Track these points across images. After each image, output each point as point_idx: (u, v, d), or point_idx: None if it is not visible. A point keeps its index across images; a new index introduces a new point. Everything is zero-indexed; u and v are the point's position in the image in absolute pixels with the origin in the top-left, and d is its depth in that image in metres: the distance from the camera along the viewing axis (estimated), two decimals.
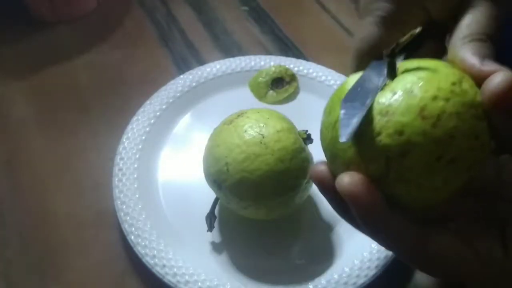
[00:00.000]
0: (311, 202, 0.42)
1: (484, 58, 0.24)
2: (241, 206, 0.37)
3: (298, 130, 0.39)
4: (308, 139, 0.39)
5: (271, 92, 0.50)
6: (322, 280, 0.37)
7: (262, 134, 0.36)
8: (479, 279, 0.23)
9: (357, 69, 0.31)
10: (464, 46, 0.26)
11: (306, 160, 0.37)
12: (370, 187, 0.22)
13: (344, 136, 0.21)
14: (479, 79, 0.23)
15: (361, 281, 0.37)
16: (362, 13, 0.31)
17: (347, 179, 0.22)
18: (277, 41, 0.57)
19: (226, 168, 0.36)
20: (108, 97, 0.51)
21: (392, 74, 0.24)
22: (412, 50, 0.31)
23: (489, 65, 0.24)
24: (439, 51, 0.31)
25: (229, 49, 0.56)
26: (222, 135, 0.38)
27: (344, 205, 0.23)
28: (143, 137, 0.45)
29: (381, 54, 0.24)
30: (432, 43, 0.32)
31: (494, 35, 0.26)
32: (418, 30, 0.23)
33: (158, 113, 0.47)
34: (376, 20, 0.30)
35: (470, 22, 0.27)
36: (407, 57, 0.30)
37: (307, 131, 0.39)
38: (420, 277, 0.39)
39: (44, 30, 0.58)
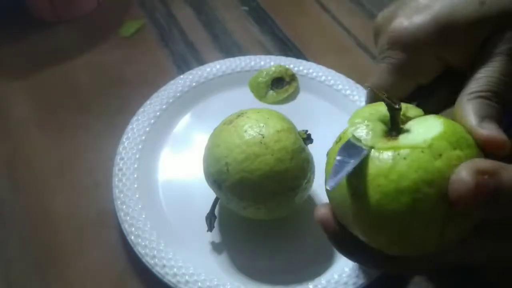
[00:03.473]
0: (311, 202, 0.42)
1: (484, 118, 0.25)
2: (241, 206, 0.37)
3: (298, 130, 0.39)
4: (308, 139, 0.39)
5: (271, 92, 0.50)
6: (322, 280, 0.37)
7: (262, 134, 0.36)
8: None
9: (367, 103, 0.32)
10: (469, 102, 0.26)
11: (306, 160, 0.37)
12: (333, 220, 0.27)
13: (330, 184, 0.23)
14: (476, 139, 0.24)
15: (361, 281, 0.37)
16: (378, 57, 0.32)
17: (323, 210, 0.27)
18: (277, 41, 0.57)
19: (226, 168, 0.36)
20: (108, 97, 0.51)
21: (395, 127, 0.25)
22: (425, 97, 0.32)
23: (487, 128, 0.24)
24: (454, 100, 0.30)
25: (229, 49, 0.56)
26: (222, 135, 0.38)
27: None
28: (143, 137, 0.45)
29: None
30: (446, 91, 0.31)
31: (505, 93, 0.26)
32: (397, 105, 0.24)
33: (158, 113, 0.47)
34: (388, 67, 0.30)
35: (481, 77, 0.26)
36: (420, 104, 0.30)
37: (307, 131, 0.39)
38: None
39: (44, 30, 0.58)
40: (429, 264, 0.25)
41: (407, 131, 0.25)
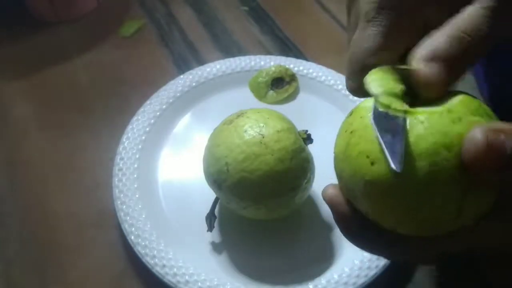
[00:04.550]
0: (311, 202, 0.42)
1: (435, 54, 0.23)
2: (241, 206, 0.37)
3: (298, 130, 0.39)
4: (308, 139, 0.39)
5: (271, 92, 0.50)
6: (322, 280, 0.37)
7: (262, 134, 0.36)
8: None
9: (353, 77, 0.30)
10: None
11: (306, 160, 0.37)
12: (342, 199, 0.24)
13: (396, 164, 0.21)
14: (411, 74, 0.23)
15: (361, 281, 0.37)
16: (363, 20, 0.31)
17: (331, 190, 0.25)
18: (277, 41, 0.57)
19: (226, 168, 0.36)
20: (108, 97, 0.51)
21: (410, 91, 0.23)
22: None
23: (430, 66, 0.23)
24: None
25: (229, 49, 0.56)
26: (222, 135, 0.38)
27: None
28: (143, 137, 0.45)
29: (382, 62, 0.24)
30: None
31: (492, 29, 0.23)
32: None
33: (158, 113, 0.47)
34: (379, 30, 0.29)
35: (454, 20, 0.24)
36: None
37: (307, 131, 0.39)
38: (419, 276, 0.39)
39: (44, 30, 0.58)
40: (439, 249, 0.23)
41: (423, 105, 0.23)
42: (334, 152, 0.25)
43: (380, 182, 0.22)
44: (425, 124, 0.21)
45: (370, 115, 0.23)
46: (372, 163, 0.22)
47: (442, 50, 0.23)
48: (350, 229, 0.25)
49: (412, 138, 0.21)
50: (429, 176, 0.20)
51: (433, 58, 0.23)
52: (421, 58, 0.23)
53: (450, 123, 0.21)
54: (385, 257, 0.26)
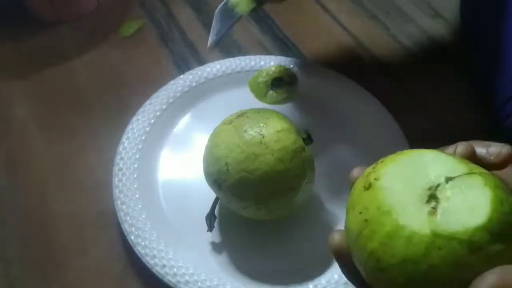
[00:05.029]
0: (311, 202, 0.42)
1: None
2: (241, 206, 0.37)
3: (298, 130, 0.39)
4: (308, 139, 0.39)
5: (271, 92, 0.50)
6: (322, 280, 0.37)
7: (262, 134, 0.36)
8: None
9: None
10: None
11: (306, 160, 0.37)
12: (345, 250, 0.26)
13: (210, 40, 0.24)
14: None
15: None
16: None
17: (337, 237, 0.26)
18: (277, 41, 0.57)
19: (226, 168, 0.36)
20: (108, 97, 0.51)
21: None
22: None
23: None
24: None
25: (229, 49, 0.56)
26: (222, 135, 0.38)
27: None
28: (143, 137, 0.45)
29: None
30: None
31: None
32: None
33: (158, 113, 0.47)
34: None
35: None
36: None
37: (307, 131, 0.39)
38: None
39: (44, 30, 0.58)
40: None
41: (447, 199, 0.23)
42: (346, 221, 0.25)
43: (380, 280, 0.23)
44: (442, 252, 0.21)
45: (385, 205, 0.23)
46: (379, 268, 0.22)
47: None
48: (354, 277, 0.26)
49: (425, 265, 0.21)
50: None
51: None
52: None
53: (467, 254, 0.21)
54: None
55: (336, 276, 0.37)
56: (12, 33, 0.57)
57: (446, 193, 0.23)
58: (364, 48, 0.56)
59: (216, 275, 0.38)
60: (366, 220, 0.23)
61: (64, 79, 0.53)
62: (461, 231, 0.21)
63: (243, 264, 0.39)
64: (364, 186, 0.24)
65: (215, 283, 0.37)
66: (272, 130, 0.36)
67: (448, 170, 0.23)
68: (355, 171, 0.27)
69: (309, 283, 0.37)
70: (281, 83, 0.50)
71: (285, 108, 0.49)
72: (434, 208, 0.22)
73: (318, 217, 0.42)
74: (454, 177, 0.23)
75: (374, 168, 0.25)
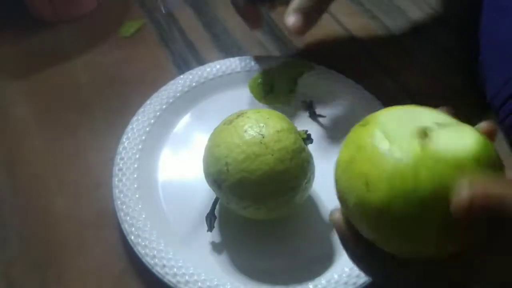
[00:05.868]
0: (311, 202, 0.42)
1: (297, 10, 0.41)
2: (241, 206, 0.37)
3: (298, 130, 0.39)
4: (308, 139, 0.39)
5: (270, 93, 0.50)
6: (322, 280, 0.37)
7: (262, 134, 0.36)
8: None
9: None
10: None
11: (306, 160, 0.37)
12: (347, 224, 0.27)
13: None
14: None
15: (361, 281, 0.37)
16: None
17: (337, 214, 0.28)
18: (277, 41, 0.57)
19: (226, 168, 0.36)
20: (108, 97, 0.51)
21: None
22: None
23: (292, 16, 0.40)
24: None
25: (229, 49, 0.56)
26: (222, 135, 0.38)
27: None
28: (143, 137, 0.45)
29: None
30: None
31: None
32: None
33: (158, 113, 0.47)
34: None
35: None
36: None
37: (307, 131, 0.39)
38: None
39: (44, 30, 0.58)
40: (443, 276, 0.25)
41: (438, 136, 0.24)
42: (337, 158, 0.27)
43: (368, 207, 0.24)
44: (428, 171, 0.22)
45: (379, 133, 0.24)
46: (368, 189, 0.23)
47: (301, 4, 0.41)
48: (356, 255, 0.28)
49: (412, 182, 0.22)
50: (419, 212, 0.22)
51: (295, 10, 0.41)
52: (289, 12, 0.41)
53: (452, 172, 0.22)
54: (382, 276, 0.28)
55: (336, 276, 0.37)
56: (12, 33, 0.57)
57: (437, 132, 0.24)
58: (364, 48, 0.56)
59: (216, 275, 0.38)
60: (359, 147, 0.25)
61: (64, 79, 0.53)
62: (449, 155, 0.23)
63: (243, 264, 0.39)
64: (361, 124, 0.26)
65: (215, 283, 0.37)
66: (272, 130, 0.36)
67: (441, 120, 0.25)
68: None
69: (309, 283, 0.37)
70: (281, 84, 0.50)
71: (285, 108, 0.49)
72: (426, 137, 0.24)
73: (318, 217, 0.42)
74: (445, 124, 0.25)
75: (370, 115, 0.27)
